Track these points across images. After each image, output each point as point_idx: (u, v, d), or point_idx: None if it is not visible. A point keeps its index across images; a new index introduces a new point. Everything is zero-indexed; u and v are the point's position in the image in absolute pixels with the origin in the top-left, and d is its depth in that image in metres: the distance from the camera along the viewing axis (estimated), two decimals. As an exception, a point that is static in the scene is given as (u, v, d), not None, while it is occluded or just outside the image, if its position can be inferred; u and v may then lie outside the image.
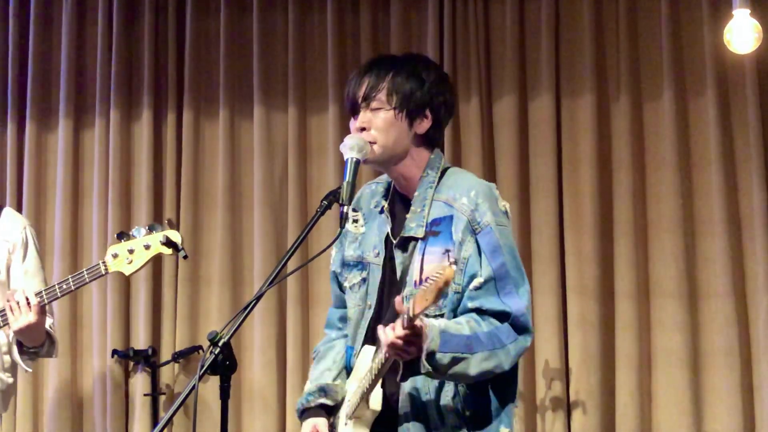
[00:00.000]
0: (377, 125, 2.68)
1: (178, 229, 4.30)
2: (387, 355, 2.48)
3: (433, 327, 2.47)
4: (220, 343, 2.48)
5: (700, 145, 4.70)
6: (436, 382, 2.62)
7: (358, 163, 2.63)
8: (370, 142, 2.67)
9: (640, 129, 4.77)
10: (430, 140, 2.75)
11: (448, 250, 2.62)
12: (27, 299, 3.47)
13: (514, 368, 2.64)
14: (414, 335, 2.41)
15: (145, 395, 4.94)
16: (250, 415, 4.97)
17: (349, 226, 2.84)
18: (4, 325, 3.54)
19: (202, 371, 2.46)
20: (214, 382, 2.53)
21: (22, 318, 3.47)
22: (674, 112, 4.68)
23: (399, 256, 2.69)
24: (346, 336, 2.84)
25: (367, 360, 2.67)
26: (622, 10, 4.77)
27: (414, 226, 2.68)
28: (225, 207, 5.06)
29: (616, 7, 4.80)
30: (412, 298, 2.36)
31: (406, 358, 2.48)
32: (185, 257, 3.54)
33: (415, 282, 2.62)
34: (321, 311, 4.87)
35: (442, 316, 2.62)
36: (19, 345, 3.63)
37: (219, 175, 5.09)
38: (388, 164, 2.74)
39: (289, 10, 5.06)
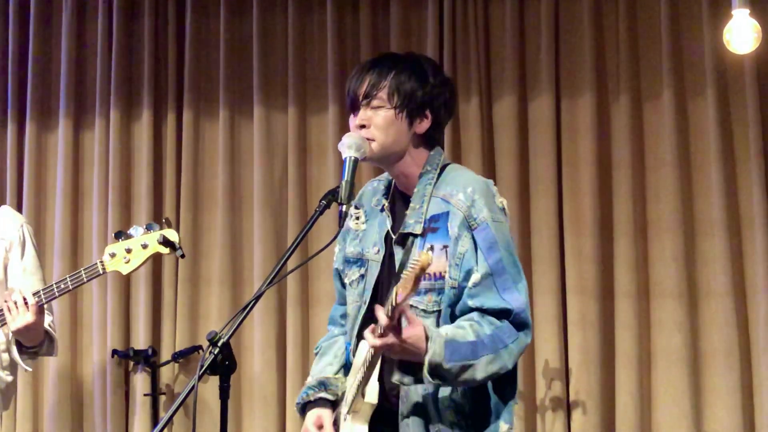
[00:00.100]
0: (377, 123, 2.68)
1: (177, 229, 4.30)
2: (373, 351, 2.50)
3: (438, 338, 2.48)
4: (219, 343, 2.48)
5: (700, 144, 4.70)
6: (435, 379, 2.64)
7: (356, 161, 2.63)
8: (369, 140, 2.67)
9: (639, 129, 4.77)
10: (430, 140, 2.75)
11: (446, 246, 2.62)
12: (24, 299, 3.46)
13: (514, 366, 2.64)
14: (399, 324, 2.41)
15: (145, 395, 4.94)
16: (250, 415, 4.97)
17: (350, 222, 2.84)
18: (2, 325, 3.52)
19: (202, 371, 2.46)
20: (213, 382, 2.53)
21: (20, 318, 3.45)
22: (674, 112, 4.68)
23: (398, 253, 2.70)
24: (347, 332, 2.85)
25: (363, 354, 2.67)
26: (622, 10, 4.77)
27: (413, 223, 2.68)
28: (225, 207, 5.06)
29: (616, 7, 4.80)
30: (394, 288, 2.36)
31: (400, 356, 2.48)
32: (182, 256, 3.54)
33: None
34: (321, 311, 4.87)
35: (439, 312, 2.62)
36: (19, 344, 3.62)
37: (219, 175, 5.09)
38: (387, 162, 2.74)
39: (289, 10, 5.06)
